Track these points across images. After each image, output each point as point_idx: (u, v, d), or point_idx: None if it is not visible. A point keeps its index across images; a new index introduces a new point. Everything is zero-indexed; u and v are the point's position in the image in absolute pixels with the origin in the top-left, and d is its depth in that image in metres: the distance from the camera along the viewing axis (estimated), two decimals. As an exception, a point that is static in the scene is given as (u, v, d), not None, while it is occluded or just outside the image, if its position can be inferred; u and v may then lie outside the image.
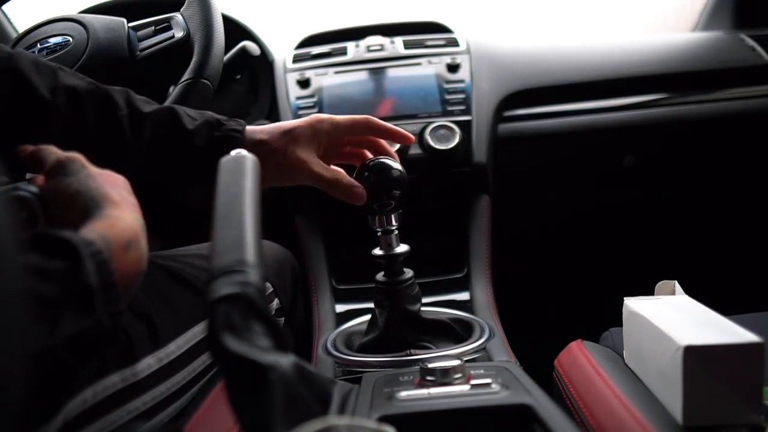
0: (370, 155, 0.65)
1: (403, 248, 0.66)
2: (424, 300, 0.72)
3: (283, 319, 0.75)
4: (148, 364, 0.51)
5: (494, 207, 0.97)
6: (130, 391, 0.48)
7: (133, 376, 0.49)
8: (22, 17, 1.11)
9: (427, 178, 0.95)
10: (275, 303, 0.73)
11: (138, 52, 0.78)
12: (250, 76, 1.09)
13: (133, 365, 0.49)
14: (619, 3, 1.69)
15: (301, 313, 0.84)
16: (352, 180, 0.61)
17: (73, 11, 0.88)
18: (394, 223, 0.64)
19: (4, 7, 1.05)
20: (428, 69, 1.04)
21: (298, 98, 1.03)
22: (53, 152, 0.45)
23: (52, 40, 0.80)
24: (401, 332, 0.67)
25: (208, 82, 0.73)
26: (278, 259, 0.80)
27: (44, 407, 0.41)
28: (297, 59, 1.09)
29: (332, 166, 0.63)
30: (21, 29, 0.95)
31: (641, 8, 1.67)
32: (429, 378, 0.44)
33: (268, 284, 0.71)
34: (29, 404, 0.24)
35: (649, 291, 0.61)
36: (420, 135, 0.94)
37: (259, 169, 0.48)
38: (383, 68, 1.05)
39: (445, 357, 0.51)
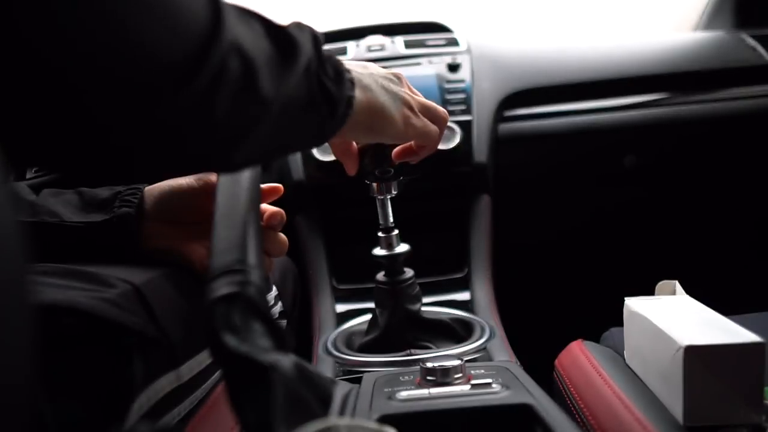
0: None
1: (403, 248, 0.66)
2: (425, 300, 0.72)
3: (285, 321, 0.75)
4: (190, 367, 0.50)
5: (495, 207, 0.97)
6: (176, 395, 0.48)
7: (178, 380, 0.48)
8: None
9: (428, 178, 0.94)
10: (279, 306, 0.73)
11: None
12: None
13: (176, 368, 0.48)
14: (619, 3, 1.69)
15: (297, 317, 0.84)
16: None
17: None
18: (393, 191, 0.65)
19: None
20: (429, 69, 1.04)
21: None
22: None
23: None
24: (402, 332, 0.67)
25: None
26: (281, 267, 0.80)
27: (111, 408, 0.40)
28: (297, 59, 1.09)
29: None
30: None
31: (642, 8, 1.67)
32: (429, 378, 0.44)
33: (274, 288, 0.71)
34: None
35: (649, 291, 0.61)
36: (420, 135, 0.94)
37: (258, 169, 0.48)
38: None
39: (445, 357, 0.51)
